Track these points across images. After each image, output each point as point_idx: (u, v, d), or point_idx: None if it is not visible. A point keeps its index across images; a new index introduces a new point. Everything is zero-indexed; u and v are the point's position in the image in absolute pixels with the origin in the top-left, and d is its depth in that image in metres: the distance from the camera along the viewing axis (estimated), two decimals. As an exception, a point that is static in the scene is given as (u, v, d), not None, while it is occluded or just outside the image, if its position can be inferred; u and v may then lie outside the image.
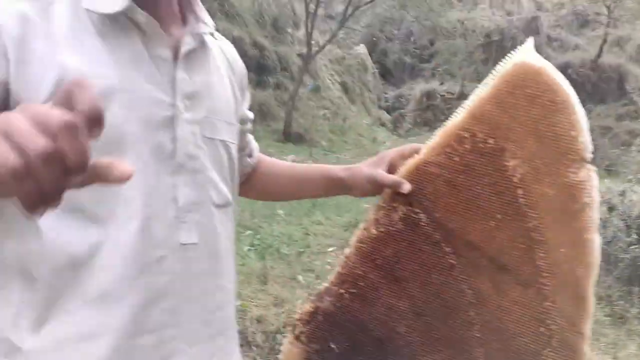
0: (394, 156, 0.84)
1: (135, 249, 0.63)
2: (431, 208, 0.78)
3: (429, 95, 13.28)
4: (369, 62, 14.18)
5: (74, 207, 0.61)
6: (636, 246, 3.66)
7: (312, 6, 10.05)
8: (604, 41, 13.02)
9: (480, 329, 0.78)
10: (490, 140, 0.75)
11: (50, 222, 0.60)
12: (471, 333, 0.78)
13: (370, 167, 0.84)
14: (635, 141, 9.43)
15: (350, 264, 0.81)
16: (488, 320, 0.77)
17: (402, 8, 11.41)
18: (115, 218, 0.63)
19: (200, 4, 0.76)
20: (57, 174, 0.31)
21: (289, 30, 11.41)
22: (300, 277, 3.62)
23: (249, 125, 0.91)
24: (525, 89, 0.75)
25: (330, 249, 4.46)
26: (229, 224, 0.77)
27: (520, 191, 0.74)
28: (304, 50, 10.50)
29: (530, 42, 0.76)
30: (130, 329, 0.63)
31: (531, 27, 14.16)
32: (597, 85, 12.93)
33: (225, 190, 0.74)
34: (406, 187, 0.77)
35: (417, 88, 13.56)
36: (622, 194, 4.21)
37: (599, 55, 13.15)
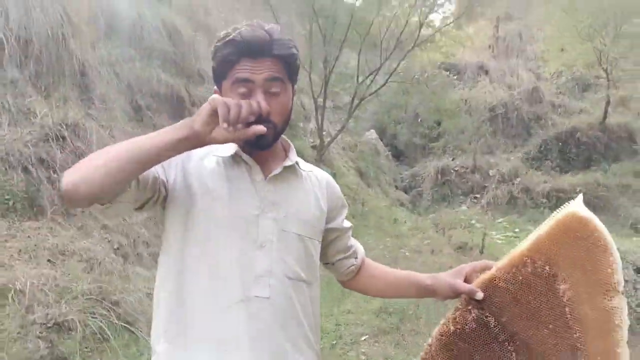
0: (469, 270, 1.19)
1: (219, 294, 1.06)
2: (498, 314, 1.10)
3: (443, 171, 13.45)
4: (380, 146, 14.56)
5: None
6: (671, 307, 3.60)
7: (320, 100, 10.57)
8: (608, 102, 13.28)
9: None
10: (547, 267, 1.05)
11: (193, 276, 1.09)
12: None
13: (450, 277, 1.19)
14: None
15: (432, 352, 1.13)
16: None
17: (406, 94, 11.90)
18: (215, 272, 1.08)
19: (292, 147, 1.24)
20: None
21: (300, 124, 11.90)
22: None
23: (348, 233, 1.33)
24: (576, 232, 1.04)
25: (363, 338, 4.44)
26: (302, 297, 1.13)
27: (567, 309, 1.04)
28: (317, 141, 10.91)
29: (580, 197, 1.08)
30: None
31: (533, 97, 14.56)
32: (608, 145, 13.03)
33: (295, 267, 1.12)
34: (480, 295, 1.11)
35: (430, 166, 13.77)
36: (647, 254, 4.20)
37: (605, 116, 13.36)
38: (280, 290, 1.09)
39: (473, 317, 1.12)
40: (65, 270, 3.89)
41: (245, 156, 1.14)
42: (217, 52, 1.11)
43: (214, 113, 0.91)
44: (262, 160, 1.15)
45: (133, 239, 4.95)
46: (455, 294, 1.17)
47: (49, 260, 3.92)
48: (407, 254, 8.16)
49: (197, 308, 1.06)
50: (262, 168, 1.15)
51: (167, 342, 1.08)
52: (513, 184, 12.13)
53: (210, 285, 1.07)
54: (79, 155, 4.87)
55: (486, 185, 12.81)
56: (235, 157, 1.15)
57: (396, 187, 14.15)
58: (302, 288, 1.14)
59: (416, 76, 11.70)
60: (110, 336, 3.56)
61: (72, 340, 3.41)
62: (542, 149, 13.36)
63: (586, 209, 1.05)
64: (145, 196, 1.08)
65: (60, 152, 4.74)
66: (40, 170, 4.55)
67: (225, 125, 0.90)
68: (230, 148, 1.15)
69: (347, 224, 1.34)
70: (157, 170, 1.08)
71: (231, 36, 1.08)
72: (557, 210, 1.08)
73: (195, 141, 0.94)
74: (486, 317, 1.11)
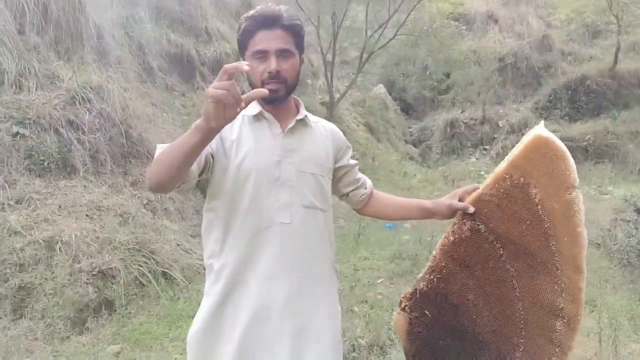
0: (461, 192, 1.50)
1: (252, 220, 1.38)
2: (487, 221, 1.43)
3: (452, 124, 13.53)
4: (389, 100, 14.61)
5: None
6: (668, 243, 3.84)
7: (329, 56, 10.62)
8: (618, 49, 13.13)
9: (520, 291, 1.41)
10: (521, 179, 1.39)
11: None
12: (514, 294, 1.41)
13: (447, 199, 1.51)
14: (662, 142, 9.45)
15: (437, 259, 1.45)
16: (523, 285, 1.40)
17: (415, 46, 11.86)
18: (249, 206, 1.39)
19: (301, 104, 1.51)
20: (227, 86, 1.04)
21: (309, 81, 11.97)
22: (355, 308, 3.93)
23: (355, 168, 1.63)
24: (541, 149, 1.38)
25: (379, 280, 4.75)
26: (318, 221, 1.46)
27: (539, 207, 1.38)
28: (326, 98, 11.02)
29: (542, 123, 1.42)
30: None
31: (543, 45, 14.40)
32: (618, 92, 12.96)
33: (311, 198, 1.44)
34: (471, 209, 1.43)
35: (439, 119, 13.82)
36: (649, 195, 4.41)
37: (615, 63, 13.26)
38: (299, 217, 1.41)
39: (467, 227, 1.43)
40: (102, 223, 4.18)
41: (266, 114, 1.45)
42: (240, 28, 1.43)
43: (218, 105, 1.05)
44: (279, 117, 1.46)
45: (160, 195, 5.22)
46: (452, 211, 1.49)
47: (87, 215, 4.21)
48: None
49: (237, 233, 1.39)
50: (280, 123, 1.45)
51: (216, 259, 1.41)
52: (522, 134, 12.05)
53: (246, 217, 1.38)
54: (105, 117, 5.11)
55: (495, 136, 12.91)
56: (258, 115, 1.45)
57: (405, 141, 14.28)
58: (318, 214, 1.46)
59: (425, 27, 11.63)
60: (151, 281, 3.88)
61: (117, 286, 3.74)
62: (551, 98, 13.35)
63: (547, 130, 1.38)
64: (202, 169, 1.37)
65: (88, 115, 4.97)
66: (70, 131, 4.79)
67: (237, 108, 1.07)
68: (255, 108, 1.45)
69: (352, 161, 1.63)
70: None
71: (250, 13, 1.41)
72: (525, 134, 1.41)
73: (217, 132, 1.14)
74: (477, 225, 1.43)
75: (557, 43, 14.68)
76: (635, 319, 3.68)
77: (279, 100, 1.43)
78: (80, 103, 5.04)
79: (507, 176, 1.40)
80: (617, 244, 4.67)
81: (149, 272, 3.95)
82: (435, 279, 1.44)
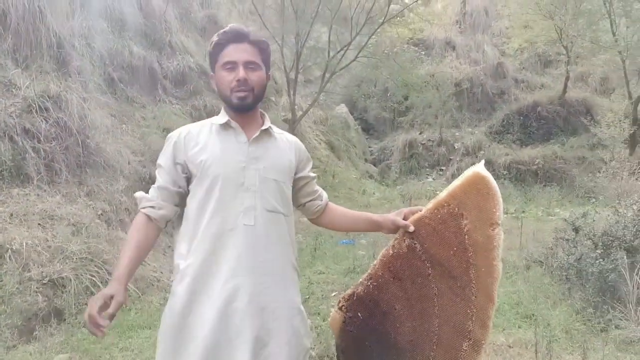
0: (407, 211, 1.64)
1: (218, 223, 1.47)
2: (422, 241, 1.57)
3: (410, 145, 13.90)
4: (350, 119, 14.89)
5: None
6: (601, 260, 4.09)
7: (292, 74, 10.80)
8: (567, 78, 13.83)
9: (438, 309, 1.56)
10: (456, 209, 1.55)
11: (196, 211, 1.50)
12: (433, 311, 1.56)
13: (393, 216, 1.65)
14: (603, 168, 9.97)
15: (376, 268, 1.60)
16: (442, 304, 1.55)
17: (376, 69, 12.18)
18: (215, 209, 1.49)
19: (266, 116, 1.66)
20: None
21: (272, 98, 12.10)
22: (308, 321, 4.01)
23: (314, 181, 1.75)
24: (477, 185, 1.55)
25: (333, 294, 4.84)
26: (280, 224, 1.56)
27: (466, 237, 1.54)
28: (289, 115, 11.16)
29: (482, 162, 1.59)
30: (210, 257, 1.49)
31: (498, 73, 15.06)
32: (567, 119, 13.63)
33: (274, 203, 1.55)
34: (412, 228, 1.58)
35: (399, 139, 14.17)
36: (584, 215, 4.69)
37: (564, 91, 13.94)
38: (262, 220, 1.51)
39: (406, 244, 1.58)
40: (55, 233, 4.15)
41: (233, 123, 1.56)
42: (212, 43, 1.58)
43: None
44: (245, 127, 1.57)
45: (115, 205, 5.21)
46: (396, 227, 1.62)
47: (39, 224, 4.18)
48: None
49: (203, 235, 1.48)
50: (245, 132, 1.56)
51: (183, 260, 1.51)
52: (477, 156, 12.65)
53: (212, 219, 1.48)
54: (62, 126, 5.09)
55: (451, 157, 13.34)
56: (225, 125, 1.56)
57: (365, 160, 14.54)
58: (280, 218, 1.56)
59: (385, 51, 11.98)
60: (102, 291, 3.86)
61: (67, 295, 3.71)
62: (504, 122, 13.92)
63: (485, 169, 1.54)
64: (178, 204, 1.57)
65: (44, 123, 4.93)
66: (25, 139, 4.75)
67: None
68: (223, 117, 1.58)
69: (312, 174, 1.75)
70: (172, 183, 1.55)
71: (222, 30, 1.58)
72: (467, 170, 1.57)
73: None
74: (414, 243, 1.57)
75: (511, 71, 15.36)
76: (570, 332, 3.87)
77: (247, 107, 1.56)
78: (37, 111, 5.00)
79: (445, 204, 1.55)
80: (558, 261, 4.91)
81: (101, 282, 3.94)
82: (371, 286, 1.58)
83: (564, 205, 10.30)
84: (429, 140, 13.91)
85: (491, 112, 14.57)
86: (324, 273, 5.64)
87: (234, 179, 1.50)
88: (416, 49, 14.75)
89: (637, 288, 3.80)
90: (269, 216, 1.52)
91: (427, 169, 13.51)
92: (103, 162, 5.46)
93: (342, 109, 14.89)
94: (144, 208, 1.52)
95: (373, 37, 11.31)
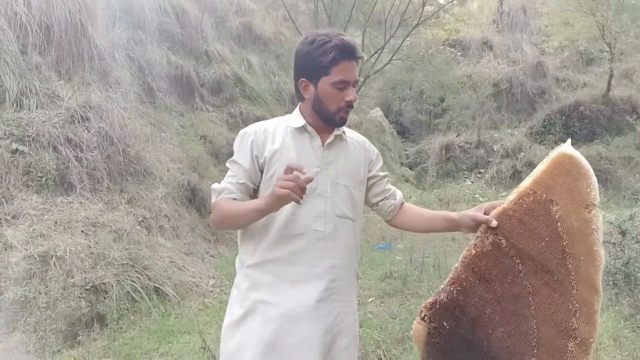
0: (487, 206, 1.51)
1: (289, 226, 1.48)
2: (508, 236, 1.43)
3: (447, 147, 13.66)
4: (385, 123, 14.78)
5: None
6: (652, 264, 3.90)
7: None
8: (611, 76, 13.37)
9: (535, 309, 1.41)
10: (544, 195, 1.41)
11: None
12: (529, 311, 1.41)
13: (472, 212, 1.52)
14: (651, 168, 9.57)
15: (458, 271, 1.47)
16: (539, 303, 1.40)
17: (410, 71, 12.07)
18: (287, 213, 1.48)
19: None
20: (294, 187, 1.25)
21: (307, 103, 12.09)
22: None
23: (385, 179, 1.73)
24: (565, 166, 1.41)
25: (370, 299, 4.80)
26: (348, 230, 1.57)
27: (559, 224, 1.39)
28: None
29: (569, 141, 1.45)
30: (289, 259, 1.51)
31: (537, 72, 14.64)
32: (611, 119, 13.14)
33: (343, 208, 1.55)
34: (494, 223, 1.44)
35: (435, 142, 13.96)
36: (631, 218, 4.50)
37: (608, 89, 13.48)
38: (331, 225, 1.52)
39: (490, 241, 1.44)
40: (97, 239, 4.26)
41: (309, 128, 1.57)
42: (325, 51, 1.49)
43: (283, 200, 1.32)
44: (320, 131, 1.57)
45: (155, 212, 5.31)
46: (476, 223, 1.50)
47: (82, 231, 4.29)
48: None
49: (273, 237, 1.50)
50: (320, 137, 1.57)
51: (247, 255, 1.55)
52: (517, 158, 12.33)
53: (284, 223, 1.50)
54: (103, 136, 5.22)
55: (490, 160, 13.04)
56: (301, 128, 1.57)
57: (401, 164, 14.39)
58: (348, 224, 1.57)
59: (420, 53, 11.86)
60: (143, 297, 3.94)
61: (109, 300, 3.80)
62: (545, 123, 13.53)
63: (572, 148, 1.41)
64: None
65: (86, 133, 5.08)
66: (68, 149, 4.89)
67: (302, 196, 1.30)
68: (299, 120, 1.58)
69: (382, 172, 1.73)
70: (250, 180, 1.55)
71: (333, 42, 1.49)
72: (551, 151, 1.44)
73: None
74: (499, 239, 1.43)
75: (551, 70, 14.92)
76: (619, 339, 3.72)
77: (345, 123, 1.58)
78: (79, 122, 5.16)
79: (530, 192, 1.41)
80: (605, 265, 4.72)
81: (142, 287, 4.01)
82: (455, 291, 1.45)
83: (610, 207, 9.92)
84: (467, 142, 13.64)
85: (531, 113, 14.19)
86: (360, 278, 5.55)
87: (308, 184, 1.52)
88: (452, 50, 14.50)
89: (691, 294, 3.60)
90: (338, 222, 1.53)
91: (465, 172, 13.25)
92: (143, 170, 5.58)
93: (377, 112, 14.80)
94: (224, 198, 1.52)
95: (407, 39, 11.22)
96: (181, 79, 8.63)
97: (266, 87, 10.67)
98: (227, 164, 1.58)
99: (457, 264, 1.47)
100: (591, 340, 1.36)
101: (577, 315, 1.36)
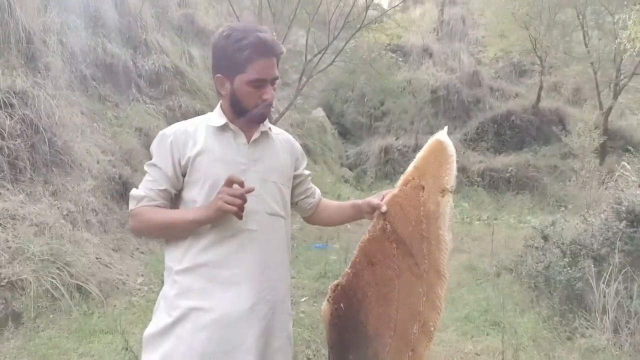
0: (385, 192, 1.53)
1: (220, 227, 1.40)
2: (392, 220, 1.50)
3: (386, 150, 13.94)
4: (327, 123, 14.87)
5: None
6: (569, 268, 4.12)
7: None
8: (541, 88, 14.08)
9: (398, 291, 1.48)
10: (418, 181, 1.46)
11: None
12: (394, 294, 1.48)
13: (371, 198, 1.55)
14: (573, 177, 10.15)
15: (355, 256, 1.52)
16: (401, 286, 1.47)
17: (353, 74, 12.19)
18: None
19: None
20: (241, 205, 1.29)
21: (249, 100, 11.96)
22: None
23: (308, 179, 1.71)
24: (436, 152, 1.46)
25: (303, 299, 4.80)
26: (280, 228, 1.53)
27: (422, 208, 1.45)
28: (264, 116, 11.05)
29: (445, 128, 1.51)
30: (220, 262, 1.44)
31: (473, 81, 15.23)
32: (540, 128, 13.86)
33: (274, 206, 1.52)
34: (384, 208, 1.48)
35: (375, 144, 14.21)
36: (553, 224, 4.74)
37: (538, 100, 14.18)
38: (264, 224, 1.47)
39: (380, 226, 1.49)
40: (16, 233, 4.01)
41: (232, 126, 1.50)
42: (239, 49, 1.42)
43: (226, 213, 1.33)
44: (244, 128, 1.51)
45: (81, 206, 5.08)
46: (372, 208, 1.53)
47: (-1, 224, 4.04)
48: (348, 226, 8.59)
49: (203, 240, 1.43)
50: (245, 134, 1.50)
51: (176, 262, 1.46)
52: (451, 163, 12.73)
53: (216, 224, 1.42)
54: (28, 123, 4.94)
55: (426, 163, 13.39)
56: (224, 127, 1.50)
57: (341, 165, 14.54)
58: (280, 221, 1.54)
59: (363, 56, 11.99)
60: (64, 294, 3.75)
61: (26, 298, 3.59)
62: (479, 130, 14.08)
63: (446, 136, 1.45)
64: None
65: (9, 120, 4.78)
66: (-12, 136, 4.59)
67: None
68: (221, 119, 1.50)
69: (306, 171, 1.71)
70: (171, 185, 1.47)
71: (249, 39, 1.42)
72: (430, 138, 1.49)
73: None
74: (386, 225, 1.49)
75: (486, 79, 15.56)
76: (537, 340, 3.90)
77: (264, 120, 1.53)
78: (1, 107, 4.85)
79: (410, 178, 1.46)
80: (527, 269, 4.95)
81: (62, 284, 3.82)
82: (351, 274, 1.51)
83: (536, 213, 10.45)
84: (405, 146, 13.97)
85: (466, 120, 14.73)
86: (294, 278, 5.58)
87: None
88: (393, 55, 14.75)
89: (603, 297, 3.83)
90: (270, 220, 1.49)
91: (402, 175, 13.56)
92: (70, 161, 5.32)
93: (319, 112, 14.87)
94: (146, 206, 1.44)
95: (351, 41, 11.30)
96: (117, 68, 8.30)
97: (207, 81, 10.45)
98: (146, 167, 1.50)
99: (355, 251, 1.53)
100: (432, 325, 1.40)
101: (424, 299, 1.42)
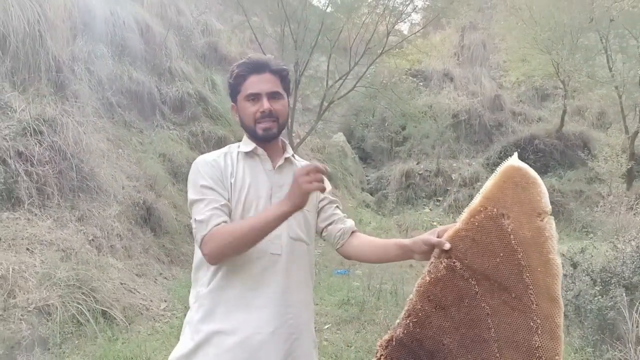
0: (440, 229, 1.45)
1: (250, 250, 1.42)
2: (462, 257, 1.36)
3: (407, 174, 13.86)
4: (348, 148, 14.90)
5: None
6: (600, 297, 4.00)
7: (290, 101, 10.82)
8: (564, 112, 13.92)
9: (495, 331, 1.32)
10: (495, 209, 1.34)
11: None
12: (489, 334, 1.31)
13: (426, 235, 1.46)
14: (600, 202, 9.94)
15: (412, 302, 1.37)
16: (498, 324, 1.31)
17: (373, 98, 12.24)
18: None
19: (287, 143, 1.66)
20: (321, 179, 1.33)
21: (271, 125, 12.06)
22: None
23: (334, 204, 1.70)
24: (514, 178, 1.36)
25: (326, 326, 4.74)
26: (303, 253, 1.55)
27: (512, 237, 1.32)
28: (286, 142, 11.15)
29: (515, 154, 1.40)
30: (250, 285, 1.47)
31: (495, 105, 15.14)
32: (564, 153, 13.66)
33: (298, 231, 1.53)
34: (447, 245, 1.37)
35: (396, 169, 14.14)
36: (582, 251, 4.62)
37: (561, 125, 14.02)
38: (287, 248, 1.50)
39: (443, 265, 1.36)
40: (43, 258, 4.07)
41: (260, 151, 1.57)
42: (232, 74, 1.57)
43: (309, 195, 1.37)
44: (269, 154, 1.57)
45: (107, 231, 5.14)
46: (428, 246, 1.42)
47: (27, 249, 4.09)
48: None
49: (232, 263, 1.46)
50: (270, 160, 1.57)
51: (203, 287, 1.49)
52: (474, 187, 12.60)
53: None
54: (56, 150, 5.05)
55: (448, 188, 13.29)
56: (251, 153, 1.57)
57: (362, 189, 14.49)
58: (303, 247, 1.56)
59: (384, 81, 12.06)
60: (89, 320, 3.77)
61: (52, 323, 3.61)
62: (501, 154, 13.90)
63: (519, 160, 1.37)
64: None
65: (39, 147, 4.89)
66: (18, 163, 4.70)
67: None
68: (249, 145, 1.57)
69: (331, 196, 1.70)
70: (225, 197, 1.49)
71: (241, 61, 1.58)
72: (499, 166, 1.39)
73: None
74: (453, 262, 1.35)
75: (508, 103, 15.46)
76: (568, 371, 3.78)
77: (272, 137, 1.55)
78: (31, 135, 4.97)
79: (481, 209, 1.35)
80: (556, 297, 4.81)
81: (88, 310, 3.84)
82: (411, 324, 1.36)
83: (562, 239, 10.21)
84: (426, 170, 13.88)
85: (488, 144, 14.60)
86: (317, 304, 5.52)
87: (262, 207, 1.49)
88: (414, 79, 14.83)
89: (637, 327, 3.70)
90: (293, 245, 1.52)
91: (424, 199, 13.44)
92: (96, 187, 5.40)
93: (340, 137, 14.91)
94: (217, 225, 1.41)
95: (371, 67, 11.41)
96: (142, 95, 8.48)
97: (229, 108, 10.56)
98: (194, 195, 1.48)
99: (411, 295, 1.38)
100: (557, 357, 1.27)
101: (539, 332, 1.27)
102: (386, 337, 1.37)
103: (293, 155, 1.64)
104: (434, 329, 1.34)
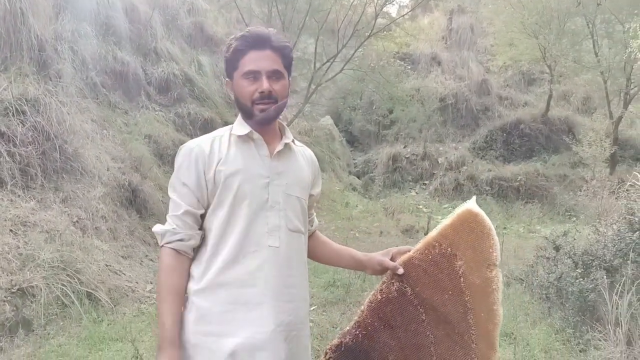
0: (395, 251, 1.51)
1: (242, 243, 1.35)
2: (413, 284, 1.45)
3: (394, 158, 13.90)
4: (335, 131, 14.87)
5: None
6: (581, 279, 4.08)
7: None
8: (550, 96, 14.01)
9: (436, 353, 1.42)
10: (449, 249, 1.44)
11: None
12: (429, 352, 1.42)
13: (380, 256, 1.51)
14: (584, 186, 10.07)
15: (364, 315, 1.46)
16: (440, 354, 1.43)
17: (361, 82, 12.20)
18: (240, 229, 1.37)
19: (286, 127, 1.53)
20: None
21: (258, 107, 11.99)
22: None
23: (315, 202, 1.62)
24: (470, 223, 1.44)
25: (312, 308, 4.77)
26: (300, 244, 1.47)
27: (462, 279, 1.42)
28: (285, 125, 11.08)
29: (473, 198, 1.48)
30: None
31: (482, 89, 15.18)
32: (549, 137, 13.78)
33: (296, 222, 1.45)
34: (401, 270, 1.44)
35: (383, 152, 14.18)
36: (565, 234, 4.70)
37: (547, 109, 14.11)
38: (286, 240, 1.40)
39: (395, 287, 1.45)
40: (27, 240, 4.03)
41: (255, 135, 1.43)
42: (230, 47, 1.42)
43: None
44: (266, 139, 1.44)
45: (91, 213, 5.09)
46: (383, 268, 1.50)
47: (10, 230, 4.05)
48: (357, 235, 8.56)
49: (225, 256, 1.36)
50: (267, 145, 1.44)
51: (194, 282, 1.39)
52: (460, 171, 12.70)
53: (237, 239, 1.36)
54: (39, 130, 4.97)
55: (435, 172, 13.36)
56: (246, 136, 1.43)
57: (349, 172, 14.52)
58: (301, 238, 1.47)
59: (371, 64, 12.01)
60: (74, 302, 3.75)
61: (37, 305, 3.59)
62: (487, 139, 14.02)
63: (477, 206, 1.44)
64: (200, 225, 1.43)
65: (21, 127, 4.81)
66: (1, 143, 4.62)
67: None
68: (244, 128, 1.43)
69: (318, 194, 1.64)
70: (197, 204, 1.40)
71: (240, 34, 1.42)
72: (457, 207, 1.47)
73: None
74: (404, 287, 1.45)
75: (495, 88, 15.51)
76: (550, 352, 3.85)
77: (271, 120, 1.43)
78: (13, 115, 4.89)
79: (436, 244, 1.43)
80: (538, 279, 4.90)
81: (73, 292, 3.82)
82: (360, 335, 1.44)
83: (545, 222, 10.37)
84: (413, 154, 13.93)
85: (475, 128, 14.68)
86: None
87: (258, 196, 1.38)
88: (402, 63, 14.79)
89: (616, 308, 3.78)
90: (291, 236, 1.42)
91: (411, 183, 13.52)
92: (81, 168, 5.34)
93: (327, 120, 14.87)
94: (169, 243, 1.35)
95: (359, 50, 11.33)
96: (127, 75, 8.36)
97: (216, 89, 10.51)
98: (170, 190, 1.42)
99: (363, 307, 1.46)
100: None
101: None
102: (335, 341, 1.45)
103: (293, 141, 1.52)
104: (381, 344, 1.43)
